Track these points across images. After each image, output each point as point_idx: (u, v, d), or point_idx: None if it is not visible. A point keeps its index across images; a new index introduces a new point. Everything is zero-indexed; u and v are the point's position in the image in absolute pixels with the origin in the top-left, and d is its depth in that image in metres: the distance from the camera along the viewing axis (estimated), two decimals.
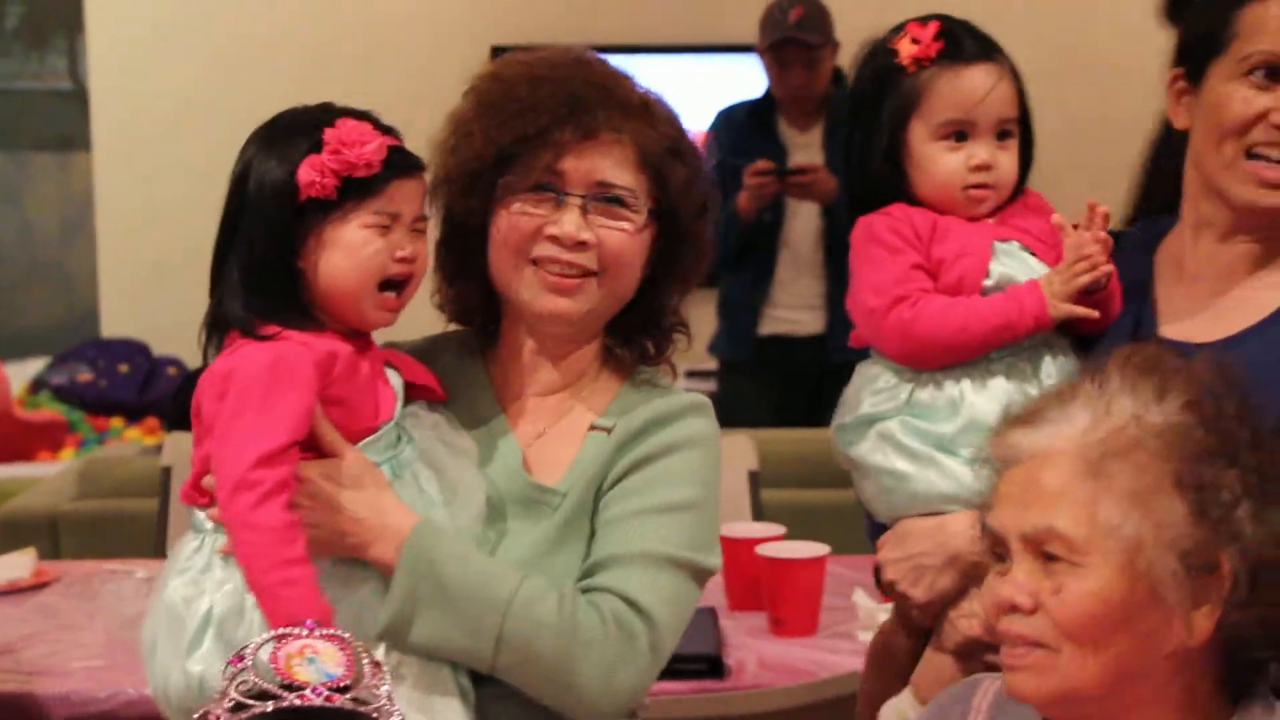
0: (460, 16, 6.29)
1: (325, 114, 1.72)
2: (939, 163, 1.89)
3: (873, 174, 1.91)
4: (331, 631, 1.35)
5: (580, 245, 1.73)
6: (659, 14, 6.35)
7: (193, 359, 2.77)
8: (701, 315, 4.86)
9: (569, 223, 1.72)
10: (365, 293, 1.71)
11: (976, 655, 1.79)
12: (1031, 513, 1.40)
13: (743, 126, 4.56)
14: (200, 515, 1.72)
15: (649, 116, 1.76)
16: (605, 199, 1.73)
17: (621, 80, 1.77)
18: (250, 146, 1.74)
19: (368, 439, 1.72)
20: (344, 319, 1.73)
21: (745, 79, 5.15)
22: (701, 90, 6.16)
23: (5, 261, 6.86)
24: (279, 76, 5.76)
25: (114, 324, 6.15)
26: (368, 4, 6.30)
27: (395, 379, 1.77)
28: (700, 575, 1.76)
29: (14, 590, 2.95)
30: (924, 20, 1.89)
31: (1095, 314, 1.82)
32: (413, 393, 1.78)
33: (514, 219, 1.74)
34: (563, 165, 1.72)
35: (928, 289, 1.86)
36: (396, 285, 1.73)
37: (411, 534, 1.68)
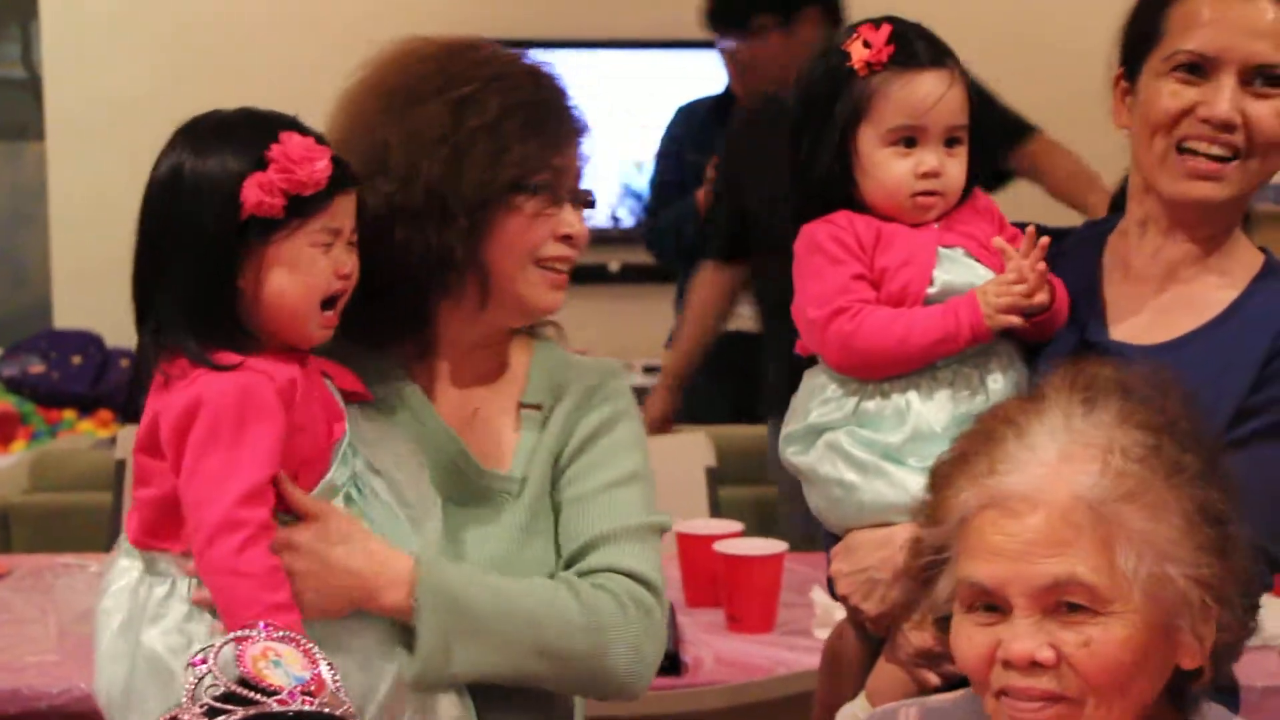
0: (421, 15, 6.30)
1: (264, 127, 1.65)
2: (887, 169, 1.87)
3: (820, 178, 1.89)
4: (287, 633, 1.33)
5: (567, 239, 1.80)
6: (621, 10, 6.32)
7: None
8: (659, 310, 4.90)
9: (575, 222, 1.80)
10: (311, 311, 1.66)
11: (929, 665, 1.79)
12: (1045, 565, 1.36)
13: (702, 122, 4.53)
14: (162, 562, 1.66)
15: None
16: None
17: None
18: (179, 157, 1.64)
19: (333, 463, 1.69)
20: (285, 338, 1.67)
21: (707, 76, 5.18)
22: (663, 86, 6.22)
23: None
24: (235, 68, 5.73)
25: (66, 315, 6.09)
26: (331, 3, 6.26)
27: (334, 390, 1.73)
28: (662, 534, 1.86)
29: None
30: (877, 23, 1.88)
31: (1030, 325, 1.82)
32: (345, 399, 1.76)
33: (533, 221, 1.77)
34: (558, 161, 1.79)
35: (869, 300, 1.85)
36: (334, 302, 1.69)
37: (421, 573, 1.68)
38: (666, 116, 4.72)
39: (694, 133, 4.52)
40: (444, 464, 1.79)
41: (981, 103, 1.93)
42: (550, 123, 1.77)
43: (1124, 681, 1.36)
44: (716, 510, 3.37)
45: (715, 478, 3.46)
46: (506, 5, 6.22)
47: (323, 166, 1.62)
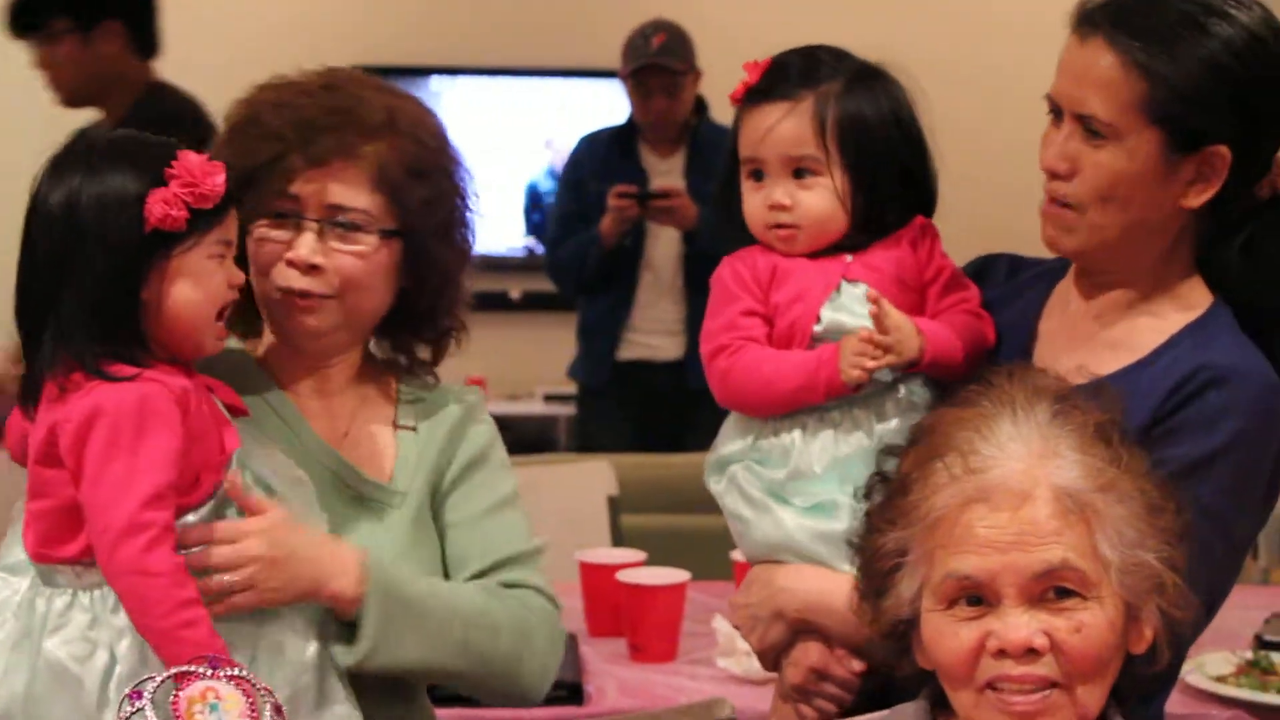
0: (327, 39, 6.28)
1: (160, 146, 1.70)
2: (746, 200, 1.89)
3: (715, 212, 1.94)
4: (235, 672, 1.31)
5: (314, 269, 1.77)
6: (524, 38, 6.35)
7: None
8: (560, 339, 4.90)
9: (303, 246, 1.76)
10: (208, 322, 1.71)
11: (806, 700, 1.82)
12: (1038, 553, 1.42)
13: (605, 152, 4.56)
14: (60, 575, 1.66)
15: (391, 136, 1.79)
16: (337, 223, 1.77)
17: (369, 99, 1.81)
18: (71, 181, 1.67)
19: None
20: (180, 349, 1.71)
21: (612, 104, 5.22)
22: (567, 114, 6.26)
23: None
24: None
25: None
26: (237, 26, 6.22)
27: (218, 403, 1.75)
28: (541, 554, 1.92)
29: None
30: (777, 57, 1.89)
31: (924, 370, 1.81)
32: None
33: (258, 245, 1.79)
34: (296, 190, 1.76)
35: (753, 337, 1.84)
36: (224, 313, 1.74)
37: (369, 561, 1.74)
38: (568, 143, 4.73)
39: (596, 162, 4.56)
40: (325, 477, 1.81)
41: (900, 131, 1.89)
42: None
43: (1106, 663, 1.43)
44: (619, 539, 3.37)
45: (617, 507, 3.45)
46: (406, 34, 6.23)
47: (221, 180, 1.68)
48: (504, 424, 5.78)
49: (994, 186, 4.59)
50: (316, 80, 1.83)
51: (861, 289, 1.84)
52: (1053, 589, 1.42)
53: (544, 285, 4.60)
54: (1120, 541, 1.44)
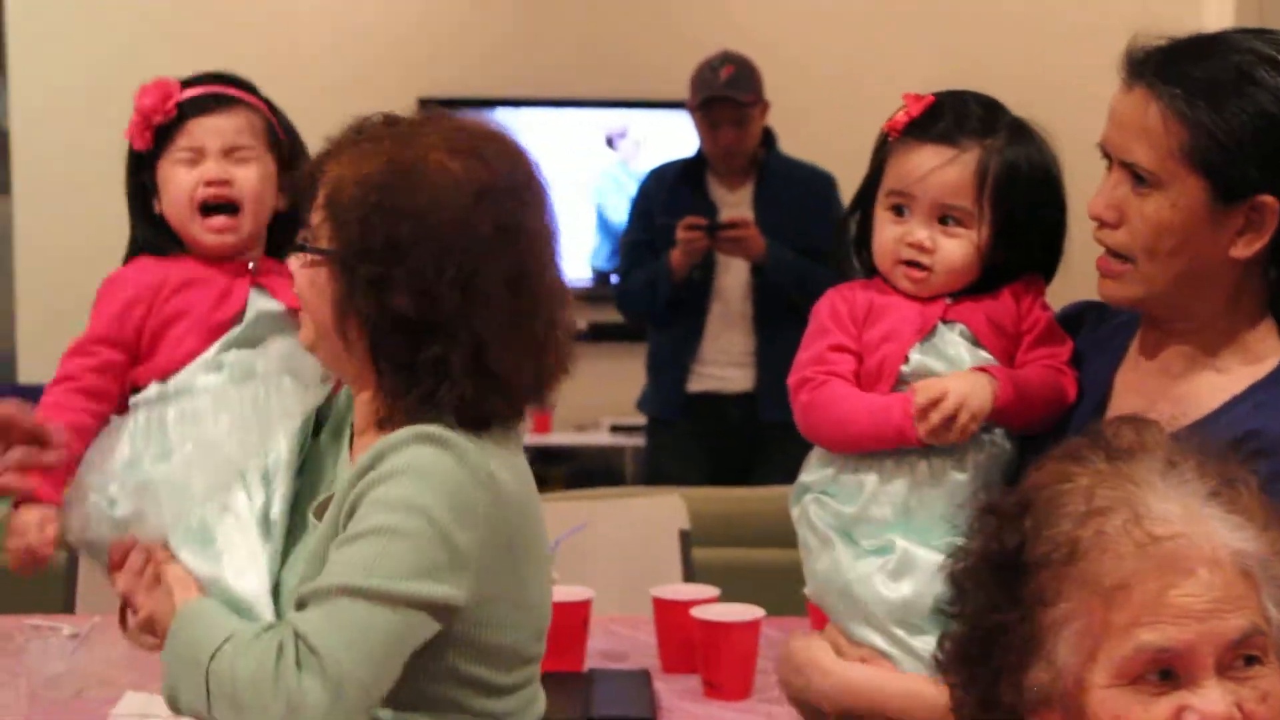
0: (390, 71, 6.36)
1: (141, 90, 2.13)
2: (880, 231, 1.90)
3: (841, 234, 1.95)
4: None
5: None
6: (583, 68, 6.41)
7: None
8: (627, 370, 4.90)
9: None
10: (189, 218, 2.10)
11: None
12: (1233, 620, 1.36)
13: (673, 185, 4.59)
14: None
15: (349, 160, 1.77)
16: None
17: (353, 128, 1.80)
18: None
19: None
20: (188, 242, 2.13)
21: (678, 135, 5.23)
22: (639, 145, 6.29)
23: None
24: None
25: (32, 370, 6.07)
26: (301, 62, 6.33)
27: (260, 299, 2.10)
28: (395, 601, 1.65)
29: None
30: (939, 95, 1.91)
31: (957, 438, 1.79)
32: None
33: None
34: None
35: (837, 373, 1.85)
36: (222, 209, 2.09)
37: (180, 604, 1.75)
38: (639, 175, 4.77)
39: (665, 195, 4.59)
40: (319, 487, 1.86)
41: (1047, 192, 1.89)
42: None
43: None
44: (690, 574, 3.36)
45: (688, 541, 3.44)
46: (471, 66, 6.33)
47: (155, 99, 2.08)
48: (570, 455, 5.84)
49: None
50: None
51: (958, 329, 1.86)
52: (1242, 657, 1.37)
53: (610, 316, 4.62)
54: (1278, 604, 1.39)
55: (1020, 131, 1.89)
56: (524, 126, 6.17)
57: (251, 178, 2.11)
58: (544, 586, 1.81)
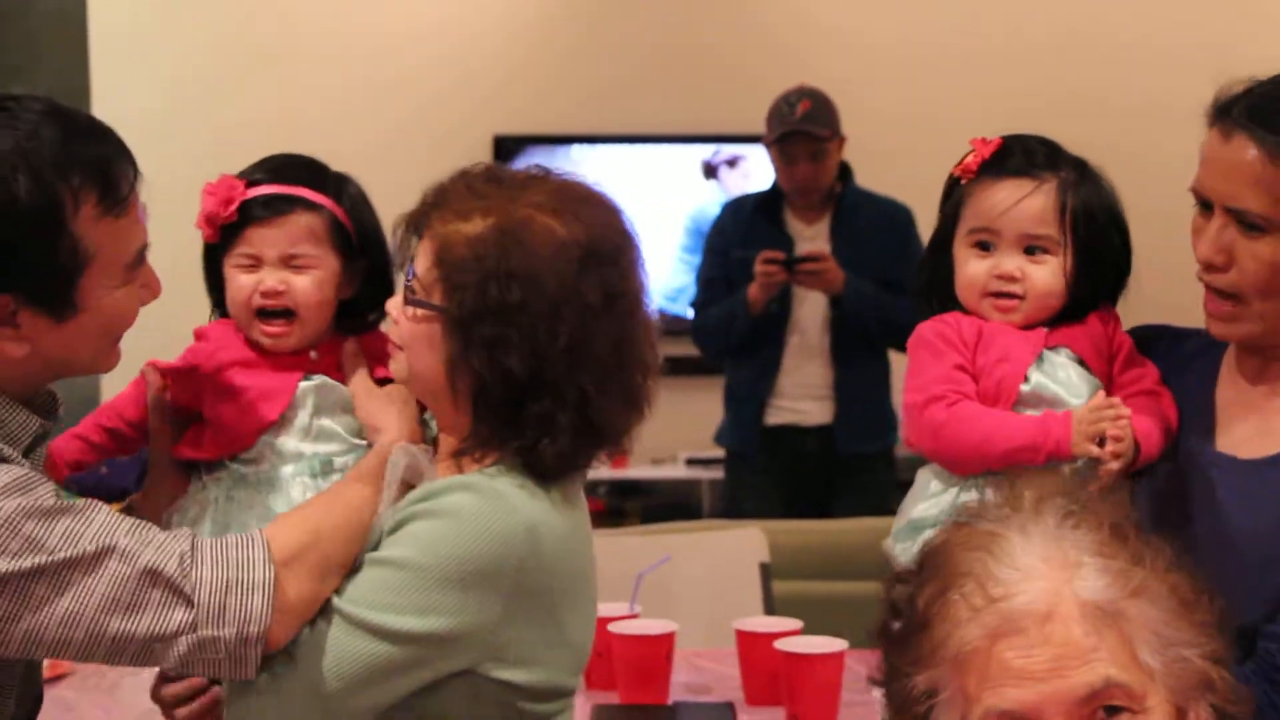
0: (465, 107, 6.44)
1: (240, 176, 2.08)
2: (966, 266, 1.99)
3: (930, 276, 2.01)
4: None
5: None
6: (669, 103, 6.48)
7: None
8: (703, 403, 4.92)
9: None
10: (245, 320, 2.06)
11: None
12: (1077, 676, 1.35)
13: (750, 219, 4.62)
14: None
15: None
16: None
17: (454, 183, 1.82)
18: None
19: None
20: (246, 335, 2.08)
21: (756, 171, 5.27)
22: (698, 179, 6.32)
23: None
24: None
25: None
26: (377, 98, 6.45)
27: (320, 384, 2.06)
28: (378, 633, 1.72)
29: None
30: (991, 139, 1.99)
31: (1114, 463, 1.85)
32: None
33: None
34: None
35: (967, 393, 1.91)
36: (278, 314, 2.05)
37: None
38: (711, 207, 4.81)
39: (742, 228, 4.62)
40: None
41: (1115, 222, 1.99)
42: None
43: None
44: (771, 606, 3.37)
45: (769, 573, 3.45)
46: (545, 104, 6.40)
47: (218, 201, 2.04)
48: (647, 488, 5.81)
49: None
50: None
51: (1063, 355, 1.95)
52: (1101, 709, 1.35)
53: (685, 349, 4.64)
54: (1160, 645, 1.38)
55: (1083, 167, 2.00)
56: (600, 162, 6.26)
57: (308, 285, 2.05)
58: (586, 626, 1.86)
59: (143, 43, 6.50)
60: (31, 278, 1.70)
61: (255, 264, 2.05)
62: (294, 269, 2.05)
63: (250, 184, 2.07)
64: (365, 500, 1.80)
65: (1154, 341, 2.04)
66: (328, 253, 2.07)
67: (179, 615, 1.67)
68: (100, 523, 1.68)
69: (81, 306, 1.74)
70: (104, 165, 1.76)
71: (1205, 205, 1.82)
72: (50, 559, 1.65)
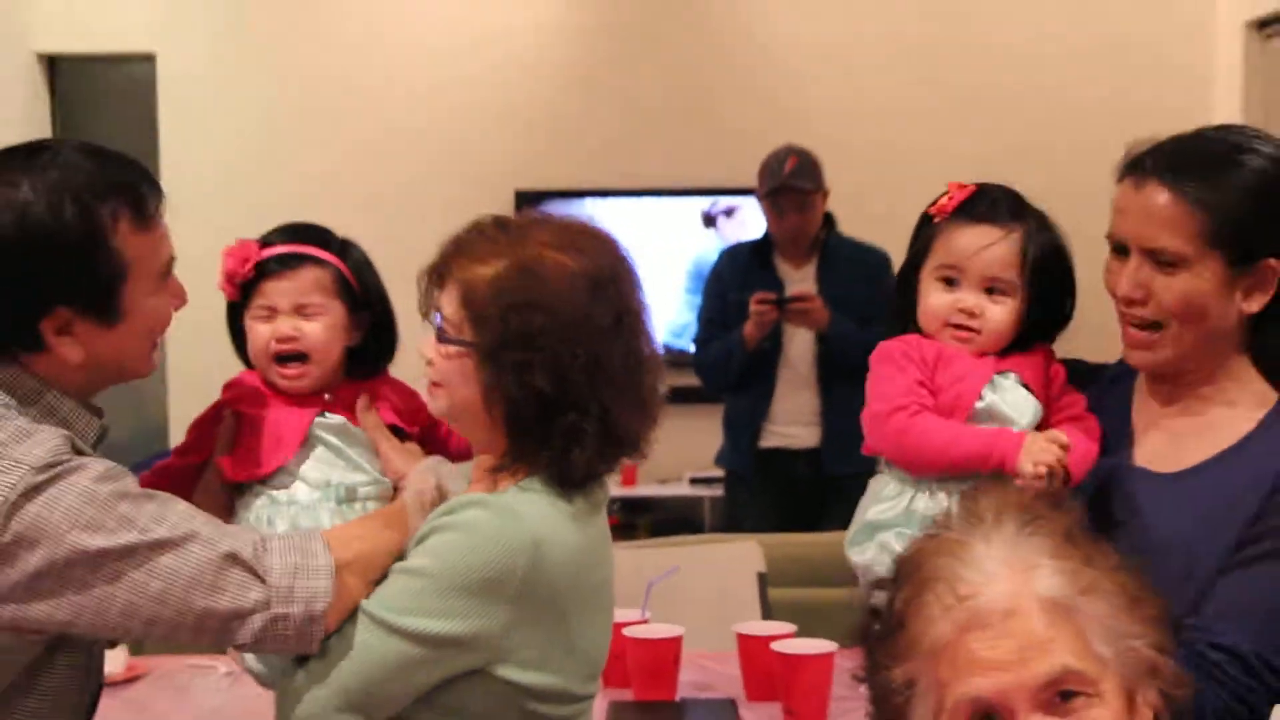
0: (487, 163, 6.54)
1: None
2: (930, 297, 2.09)
3: (898, 304, 2.12)
4: None
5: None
6: (673, 160, 6.55)
7: None
8: (704, 429, 5.04)
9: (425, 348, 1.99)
10: (265, 365, 2.22)
11: None
12: (1039, 665, 1.42)
13: (745, 265, 4.73)
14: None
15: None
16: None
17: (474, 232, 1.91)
18: None
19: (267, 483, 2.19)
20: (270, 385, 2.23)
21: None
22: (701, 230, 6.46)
23: None
24: (318, 222, 6.06)
25: (181, 438, 6.25)
26: (399, 156, 6.53)
27: (335, 422, 2.21)
28: (398, 633, 1.80)
29: (108, 684, 2.60)
30: (967, 185, 2.10)
31: (1036, 483, 1.92)
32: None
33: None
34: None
35: (927, 405, 2.01)
36: (293, 358, 2.21)
37: None
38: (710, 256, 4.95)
39: (738, 273, 4.72)
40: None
41: (1064, 270, 2.08)
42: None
43: None
44: (768, 612, 3.40)
45: (765, 582, 3.51)
46: (566, 160, 6.53)
47: (235, 261, 2.20)
48: (654, 505, 5.99)
49: None
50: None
51: (1011, 380, 2.06)
52: (1058, 694, 1.42)
53: (688, 380, 4.74)
54: (1111, 636, 1.45)
55: (1042, 218, 2.09)
56: (611, 214, 6.31)
57: (318, 330, 2.21)
58: (598, 635, 1.92)
59: (205, 108, 6.59)
60: (82, 290, 1.82)
61: (271, 314, 2.20)
62: (305, 316, 2.21)
63: (264, 245, 2.24)
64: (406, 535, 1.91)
65: (1075, 370, 2.14)
66: (334, 302, 2.23)
67: (255, 594, 1.75)
68: (181, 511, 1.77)
69: (125, 312, 1.84)
70: (134, 187, 1.86)
71: (1119, 249, 1.92)
72: (142, 538, 1.71)
